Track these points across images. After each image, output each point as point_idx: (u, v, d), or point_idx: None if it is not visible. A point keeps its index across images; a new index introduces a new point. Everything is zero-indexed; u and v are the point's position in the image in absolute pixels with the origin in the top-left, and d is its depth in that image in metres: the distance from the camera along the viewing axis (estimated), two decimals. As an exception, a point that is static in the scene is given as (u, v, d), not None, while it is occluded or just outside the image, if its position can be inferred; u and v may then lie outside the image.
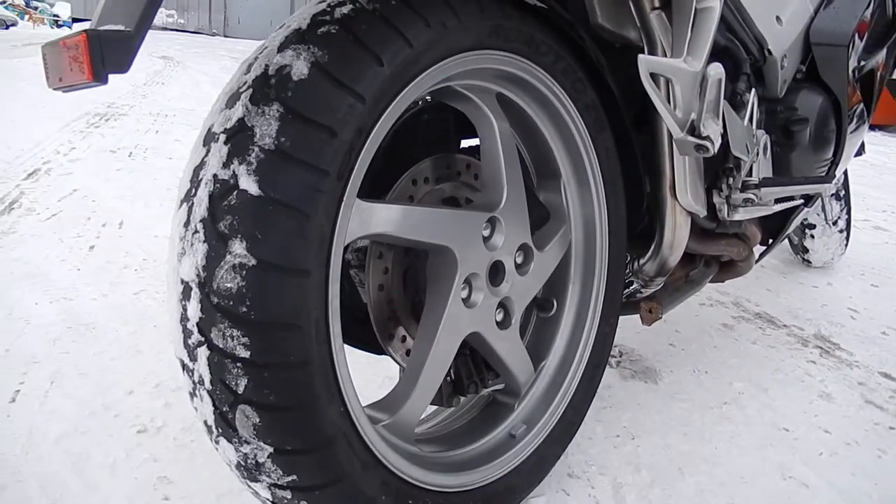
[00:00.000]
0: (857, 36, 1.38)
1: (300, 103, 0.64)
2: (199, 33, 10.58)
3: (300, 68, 0.66)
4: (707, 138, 0.85)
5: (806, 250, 2.18)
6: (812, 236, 2.12)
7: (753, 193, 1.16)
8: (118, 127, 3.79)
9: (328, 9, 0.70)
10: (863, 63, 1.48)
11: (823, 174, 1.39)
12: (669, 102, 0.86)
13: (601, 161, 1.04)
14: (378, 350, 0.90)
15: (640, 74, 0.83)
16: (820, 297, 2.04)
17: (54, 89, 0.63)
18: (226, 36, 12.08)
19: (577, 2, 1.01)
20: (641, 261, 1.17)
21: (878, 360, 1.63)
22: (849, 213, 2.12)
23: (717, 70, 0.87)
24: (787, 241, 2.25)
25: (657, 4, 0.97)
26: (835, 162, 1.41)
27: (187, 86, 6.13)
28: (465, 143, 1.04)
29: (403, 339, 0.89)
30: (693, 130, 0.86)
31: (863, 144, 1.87)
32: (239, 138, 0.64)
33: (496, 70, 0.86)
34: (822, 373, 1.54)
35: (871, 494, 1.11)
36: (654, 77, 0.86)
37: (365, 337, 0.89)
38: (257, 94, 0.66)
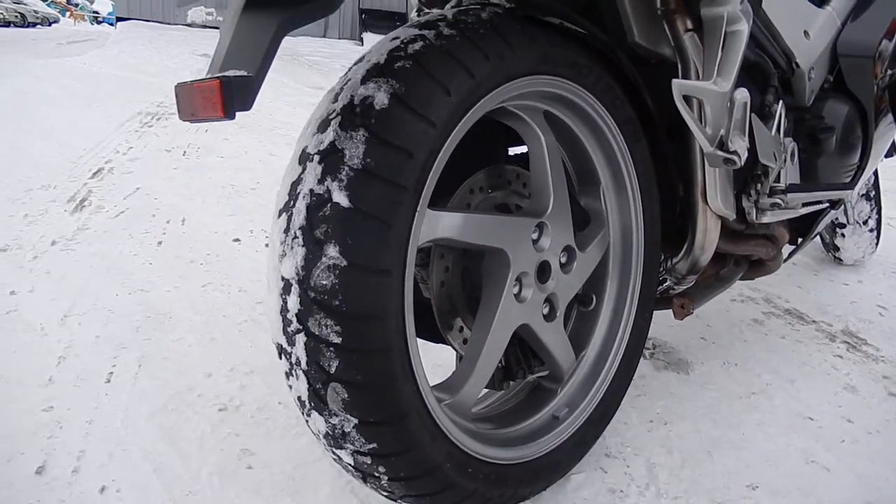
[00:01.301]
0: (884, 43, 1.45)
1: (382, 129, 0.76)
2: (238, 31, 10.76)
3: (381, 99, 0.78)
4: (734, 153, 0.94)
5: (837, 248, 2.24)
6: (842, 235, 2.18)
7: (780, 198, 1.25)
8: (169, 126, 3.98)
9: (402, 45, 0.82)
10: (891, 71, 1.54)
11: (850, 179, 1.47)
12: (700, 120, 0.96)
13: (637, 169, 1.14)
14: (438, 339, 1.02)
15: (673, 95, 0.93)
16: (849, 294, 2.10)
17: (184, 121, 0.75)
18: (263, 33, 12.37)
19: (615, 23, 1.11)
20: (674, 259, 1.27)
21: (904, 356, 1.70)
22: (879, 212, 2.17)
23: (742, 94, 0.97)
24: (818, 239, 2.31)
25: (690, 26, 1.07)
26: (861, 167, 1.49)
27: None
28: (512, 151, 1.15)
29: (461, 330, 1.01)
30: (722, 145, 0.96)
31: (894, 145, 1.93)
32: (331, 159, 0.76)
33: (544, 92, 0.97)
34: (848, 366, 1.62)
35: (890, 479, 1.20)
36: (685, 97, 0.96)
37: (427, 327, 1.00)
38: (345, 121, 0.78)
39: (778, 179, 1.29)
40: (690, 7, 1.06)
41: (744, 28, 1.04)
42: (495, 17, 0.89)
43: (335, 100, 0.81)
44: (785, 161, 1.32)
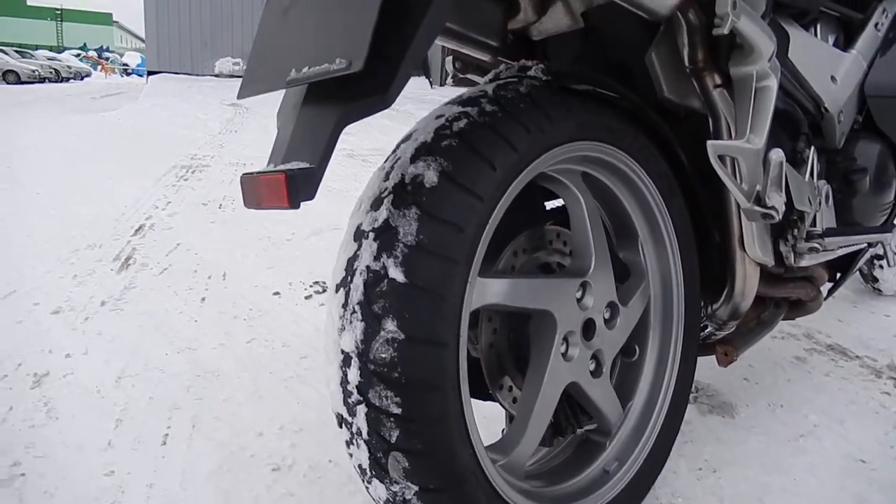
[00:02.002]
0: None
1: (433, 206, 0.80)
2: (263, 79, 11.09)
3: (430, 177, 0.82)
4: (772, 208, 0.97)
5: (875, 280, 2.22)
6: (881, 266, 2.16)
7: (818, 243, 1.26)
8: (204, 179, 4.10)
9: (447, 123, 0.87)
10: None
11: (885, 216, 1.47)
12: (736, 177, 0.99)
13: (674, 221, 1.16)
14: (486, 397, 1.04)
15: (708, 155, 0.96)
16: (892, 327, 2.07)
17: (248, 208, 0.80)
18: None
19: (645, 80, 1.15)
20: (714, 306, 1.29)
21: (954, 390, 1.67)
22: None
23: (777, 154, 0.99)
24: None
25: (719, 82, 1.10)
26: (891, 213, 1.49)
27: (258, 133, 6.51)
28: (549, 204, 1.19)
29: (510, 389, 1.03)
30: (759, 200, 0.98)
31: None
32: (386, 236, 0.80)
33: (583, 156, 1.01)
34: (897, 404, 1.60)
35: (949, 523, 1.18)
36: (720, 156, 0.99)
37: (476, 386, 1.03)
38: (397, 199, 0.82)
39: (814, 223, 1.30)
40: (719, 64, 1.10)
41: (773, 83, 1.07)
42: (533, 89, 0.93)
43: (386, 178, 0.85)
44: (820, 204, 1.33)
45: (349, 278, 0.83)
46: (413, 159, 0.84)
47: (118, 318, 2.00)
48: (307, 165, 0.72)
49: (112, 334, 1.87)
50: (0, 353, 1.74)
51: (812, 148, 1.30)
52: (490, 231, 0.85)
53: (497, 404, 1.05)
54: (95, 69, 42.31)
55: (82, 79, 32.49)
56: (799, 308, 1.50)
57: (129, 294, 2.19)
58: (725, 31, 0.96)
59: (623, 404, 1.15)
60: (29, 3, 59.95)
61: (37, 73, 25.32)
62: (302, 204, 0.72)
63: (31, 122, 7.54)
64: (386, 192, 0.84)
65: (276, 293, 2.24)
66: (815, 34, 1.43)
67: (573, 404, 1.08)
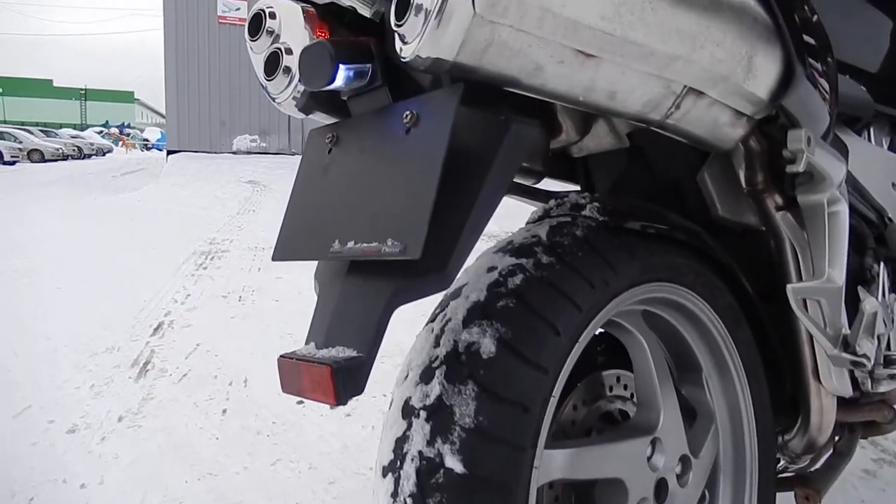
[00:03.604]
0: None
1: (492, 382, 0.71)
2: (281, 154, 11.34)
3: (488, 346, 0.73)
4: (863, 356, 0.87)
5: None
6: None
7: (897, 368, 1.15)
8: (223, 267, 4.06)
9: (501, 279, 0.78)
10: None
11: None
12: (821, 321, 0.89)
13: (741, 353, 1.06)
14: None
15: (790, 303, 0.87)
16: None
17: (286, 393, 0.72)
18: (303, 153, 12.93)
19: (697, 200, 1.08)
20: (787, 436, 1.17)
21: None
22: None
23: (871, 303, 0.90)
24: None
25: (782, 205, 1.02)
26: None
27: (276, 212, 6.52)
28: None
29: (576, 564, 0.91)
30: (846, 346, 0.89)
31: None
32: (440, 416, 0.71)
33: (645, 298, 0.92)
34: None
35: None
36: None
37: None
38: (451, 372, 0.73)
39: (889, 346, 1.20)
40: (782, 188, 1.03)
41: (844, 208, 0.99)
42: (590, 232, 0.85)
43: (437, 344, 0.77)
44: (894, 323, 1.23)
45: (399, 463, 0.73)
46: (466, 323, 0.76)
47: (136, 436, 1.90)
48: (355, 354, 0.64)
49: (129, 458, 1.77)
50: (12, 483, 1.64)
51: (881, 264, 1.20)
52: (555, 403, 0.76)
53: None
54: (117, 145, 43.61)
55: (104, 154, 33.44)
56: (874, 428, 1.37)
57: (147, 407, 2.10)
58: (801, 168, 0.88)
59: (697, 563, 1.02)
60: (56, 84, 62.49)
61: (60, 151, 26.08)
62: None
63: (51, 205, 7.64)
64: (437, 362, 0.75)
65: (300, 402, 2.14)
66: (870, 139, 1.36)
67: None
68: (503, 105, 0.68)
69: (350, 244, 0.66)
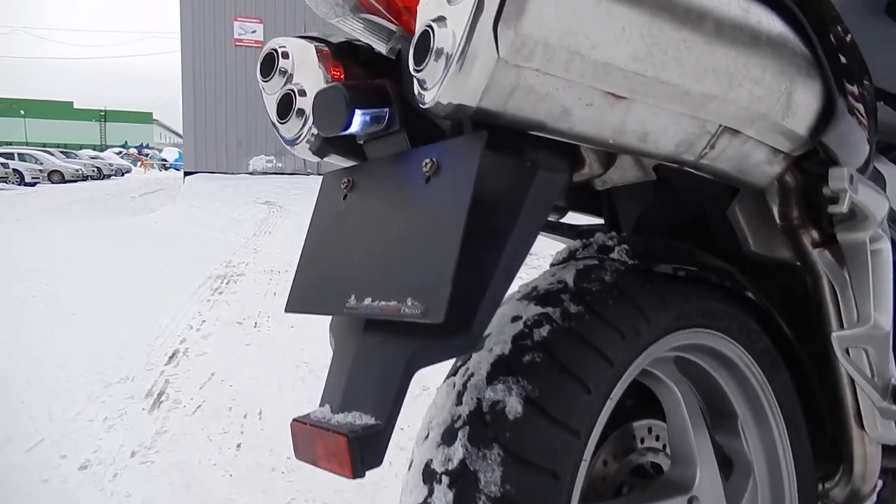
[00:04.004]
0: None
1: (520, 446, 0.66)
2: (296, 174, 11.39)
3: (514, 406, 0.68)
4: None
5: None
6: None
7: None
8: (238, 291, 4.05)
9: (526, 330, 0.74)
10: None
11: None
12: (868, 371, 0.84)
13: (780, 400, 1.00)
14: None
15: (835, 353, 0.81)
16: None
17: (300, 460, 0.67)
18: (319, 174, 12.94)
19: (727, 234, 1.02)
20: (828, 484, 1.10)
21: None
22: None
23: None
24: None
25: (819, 241, 0.97)
26: None
27: (292, 234, 6.52)
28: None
29: None
30: (895, 397, 0.83)
31: None
32: (463, 483, 0.66)
33: (677, 346, 0.87)
34: None
35: None
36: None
37: None
38: (475, 433, 0.68)
39: (936, 385, 1.13)
40: (819, 223, 0.97)
41: (887, 245, 0.94)
42: (619, 277, 0.80)
43: (459, 401, 0.72)
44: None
45: (420, 534, 0.68)
46: (490, 379, 0.71)
47: (148, 473, 1.86)
48: (373, 422, 0.59)
49: (141, 497, 1.73)
50: (22, 524, 1.61)
51: (924, 299, 1.14)
52: (586, 466, 0.70)
53: None
54: (135, 165, 44.24)
55: (123, 175, 33.92)
56: (917, 472, 1.29)
57: (160, 441, 2.06)
58: (844, 209, 0.83)
59: None
60: (76, 106, 63.64)
61: (80, 171, 26.50)
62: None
63: (70, 228, 7.71)
64: (460, 422, 0.70)
65: (316, 434, 2.09)
66: (906, 166, 1.30)
67: None
68: (526, 146, 0.64)
69: (367, 300, 0.62)
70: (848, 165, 0.87)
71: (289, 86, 0.75)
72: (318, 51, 0.75)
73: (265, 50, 0.78)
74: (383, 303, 0.60)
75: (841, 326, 0.94)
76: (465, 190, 0.57)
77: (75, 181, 24.80)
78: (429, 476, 0.70)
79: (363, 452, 0.58)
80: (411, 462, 0.76)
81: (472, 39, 0.53)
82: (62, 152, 30.88)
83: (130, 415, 2.27)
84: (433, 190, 0.60)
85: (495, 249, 0.59)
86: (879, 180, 1.13)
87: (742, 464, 1.00)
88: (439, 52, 0.55)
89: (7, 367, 2.71)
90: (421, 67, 0.56)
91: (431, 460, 0.70)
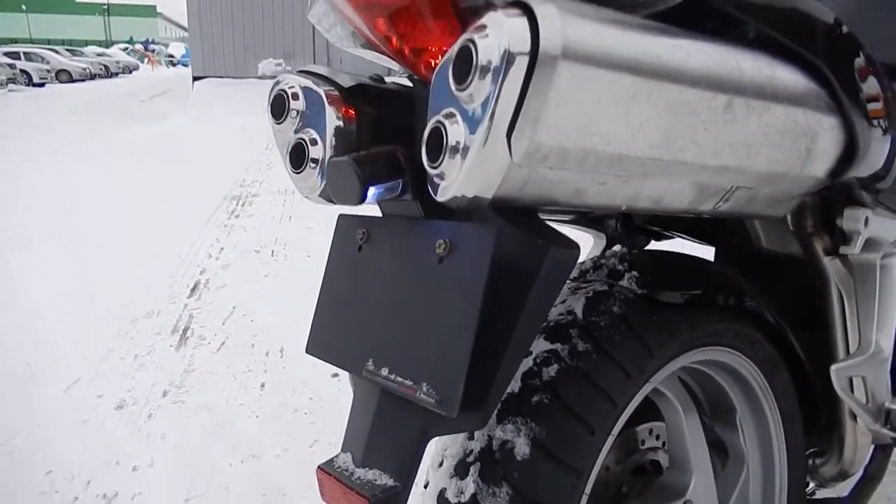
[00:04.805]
0: None
1: (527, 485, 0.72)
2: (306, 78, 11.09)
3: (522, 447, 0.73)
4: (905, 432, 0.85)
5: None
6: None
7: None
8: (254, 215, 4.10)
9: (535, 368, 0.78)
10: None
11: None
12: (864, 397, 0.88)
13: (777, 397, 1.05)
14: None
15: (833, 384, 0.84)
16: None
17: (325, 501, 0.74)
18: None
19: (741, 232, 1.04)
20: (818, 461, 1.17)
21: None
22: None
23: None
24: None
25: (831, 248, 0.98)
26: None
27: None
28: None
29: None
30: (888, 420, 0.87)
31: None
32: (475, 517, 0.73)
33: (680, 367, 0.91)
34: None
35: None
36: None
37: None
38: (486, 471, 0.74)
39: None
40: (832, 233, 0.98)
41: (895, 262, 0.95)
42: (627, 309, 0.83)
43: (471, 436, 0.77)
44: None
45: (435, 556, 0.75)
46: (501, 418, 0.76)
47: (180, 413, 1.99)
48: (391, 483, 0.65)
49: (175, 440, 1.86)
50: (70, 465, 1.75)
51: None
52: (587, 498, 0.77)
53: None
54: (142, 62, 43.26)
55: (130, 72, 33.29)
56: (907, 444, 1.36)
57: (189, 380, 2.18)
58: (856, 251, 0.84)
59: None
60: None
61: (87, 70, 26.01)
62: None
63: (83, 141, 7.70)
64: (472, 457, 0.76)
65: (335, 375, 2.20)
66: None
67: None
68: (538, 223, 0.65)
69: (384, 371, 0.66)
70: (868, 174, 0.86)
71: (299, 136, 0.74)
72: (328, 95, 0.75)
73: (274, 91, 0.77)
74: (400, 379, 0.64)
75: (846, 340, 0.97)
76: (478, 279, 0.59)
77: (83, 80, 24.39)
78: (443, 504, 0.76)
79: (384, 511, 0.64)
80: (427, 484, 0.82)
81: (486, 144, 0.53)
82: (67, 50, 30.14)
83: (158, 352, 2.38)
84: (447, 272, 0.62)
85: (507, 330, 0.62)
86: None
87: (737, 455, 1.06)
88: (454, 150, 0.55)
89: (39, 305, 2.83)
90: (436, 164, 0.56)
91: (445, 489, 0.77)
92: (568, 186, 0.61)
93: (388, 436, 0.68)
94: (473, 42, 0.52)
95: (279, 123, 0.77)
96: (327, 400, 2.06)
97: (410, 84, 0.79)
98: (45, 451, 1.81)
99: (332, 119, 0.74)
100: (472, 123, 0.54)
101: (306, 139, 0.74)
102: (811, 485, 1.22)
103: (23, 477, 1.70)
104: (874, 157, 0.83)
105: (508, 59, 0.51)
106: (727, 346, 0.94)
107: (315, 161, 0.74)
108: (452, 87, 0.54)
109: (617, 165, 0.60)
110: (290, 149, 0.75)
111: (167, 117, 9.23)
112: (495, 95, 0.52)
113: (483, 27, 0.52)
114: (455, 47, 0.54)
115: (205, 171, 5.52)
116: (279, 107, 0.76)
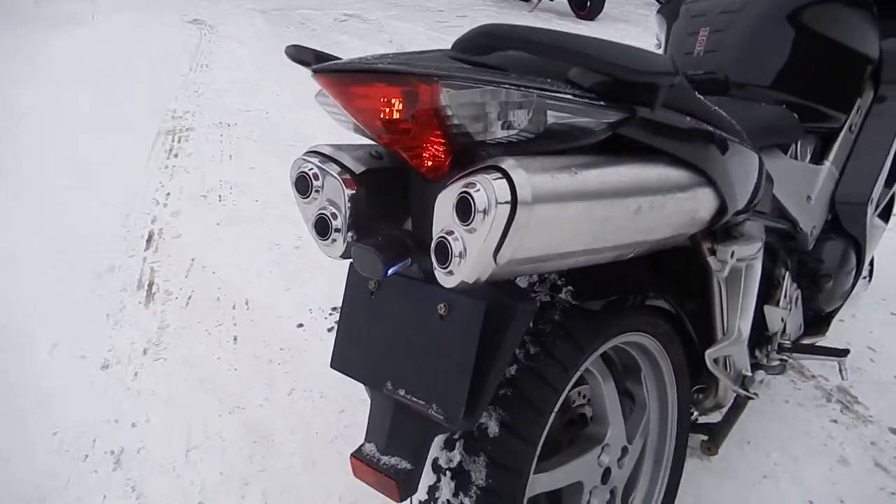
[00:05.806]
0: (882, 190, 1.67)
1: (498, 455, 1.03)
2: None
3: (493, 427, 1.04)
4: (755, 394, 1.21)
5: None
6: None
7: (786, 355, 1.52)
8: (194, 153, 4.12)
9: (508, 377, 1.07)
10: (885, 198, 1.76)
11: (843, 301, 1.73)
12: (726, 368, 1.22)
13: (672, 360, 1.40)
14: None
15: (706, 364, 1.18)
16: (844, 333, 2.38)
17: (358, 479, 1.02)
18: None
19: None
20: (701, 396, 1.56)
21: (889, 414, 2.01)
22: (871, 262, 2.42)
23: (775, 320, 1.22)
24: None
25: (713, 251, 1.30)
26: (849, 292, 1.74)
27: (232, 69, 6.30)
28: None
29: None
30: (743, 385, 1.23)
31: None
32: (461, 478, 1.04)
33: (603, 350, 1.23)
34: (842, 433, 1.94)
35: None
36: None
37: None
38: (468, 445, 1.05)
39: (784, 331, 1.55)
40: (714, 240, 1.29)
41: (758, 264, 1.28)
42: (566, 318, 1.12)
43: (456, 420, 1.07)
44: (790, 311, 1.58)
45: (432, 503, 1.07)
46: (478, 407, 1.06)
47: (164, 370, 2.21)
48: (409, 467, 0.95)
49: (166, 395, 2.10)
50: (74, 425, 1.96)
51: (786, 272, 1.52)
52: (536, 460, 1.09)
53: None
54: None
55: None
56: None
57: (165, 337, 2.38)
58: (724, 275, 1.15)
59: (628, 504, 1.44)
60: None
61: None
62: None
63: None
64: (458, 435, 1.06)
65: (300, 325, 2.46)
66: (795, 153, 1.60)
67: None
68: (508, 289, 0.92)
69: (402, 391, 0.93)
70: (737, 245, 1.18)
71: (321, 211, 0.96)
72: (342, 179, 0.96)
73: (296, 173, 0.97)
74: (415, 399, 0.91)
75: (723, 318, 1.31)
76: (473, 335, 0.87)
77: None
78: (437, 468, 1.07)
79: (406, 488, 0.94)
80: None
81: (480, 256, 0.79)
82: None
83: (129, 310, 2.55)
84: (447, 328, 0.89)
85: (490, 362, 0.90)
86: (769, 182, 1.43)
87: (641, 403, 1.42)
88: (461, 255, 0.80)
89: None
90: (446, 266, 0.81)
91: (438, 458, 1.07)
92: (532, 268, 0.88)
93: (404, 433, 0.97)
94: (470, 195, 0.76)
95: (305, 199, 0.98)
96: (297, 350, 2.32)
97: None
98: (46, 411, 2.01)
99: (348, 196, 0.96)
100: (471, 244, 0.79)
101: (327, 214, 0.97)
102: (695, 413, 1.62)
103: (34, 436, 1.91)
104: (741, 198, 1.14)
105: (497, 205, 0.76)
106: (637, 331, 1.27)
107: (338, 230, 0.97)
108: (456, 221, 0.78)
109: (564, 258, 0.87)
110: (314, 221, 0.97)
111: (80, 25, 8.56)
112: (488, 228, 0.77)
113: (474, 184, 0.77)
114: (454, 194, 0.78)
115: (130, 97, 5.33)
116: (304, 186, 0.98)
